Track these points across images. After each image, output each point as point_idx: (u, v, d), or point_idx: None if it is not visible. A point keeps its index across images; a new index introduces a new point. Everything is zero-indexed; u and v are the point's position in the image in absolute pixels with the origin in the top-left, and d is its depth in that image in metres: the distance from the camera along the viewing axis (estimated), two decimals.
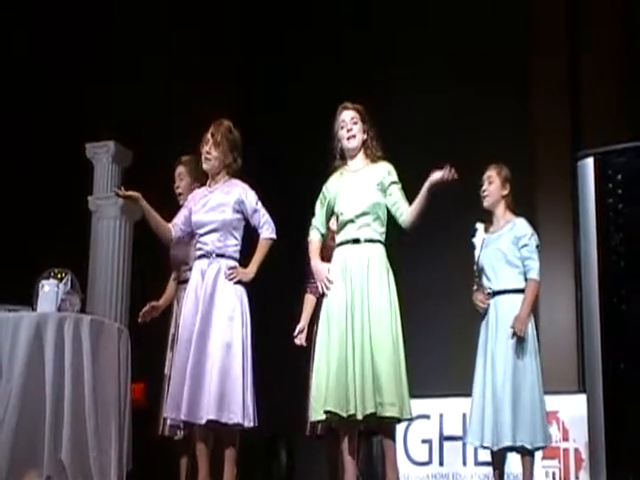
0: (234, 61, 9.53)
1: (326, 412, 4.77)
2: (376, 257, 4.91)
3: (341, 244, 5.00)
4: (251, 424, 4.95)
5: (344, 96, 5.24)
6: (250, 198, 5.18)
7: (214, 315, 5.04)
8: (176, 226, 5.30)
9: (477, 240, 5.75)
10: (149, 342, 5.94)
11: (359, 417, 4.69)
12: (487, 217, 5.77)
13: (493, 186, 5.65)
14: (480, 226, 5.78)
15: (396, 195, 5.00)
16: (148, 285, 6.75)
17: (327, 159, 5.22)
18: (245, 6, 9.74)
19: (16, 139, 8.12)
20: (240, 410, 4.90)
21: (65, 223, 7.78)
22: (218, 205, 5.18)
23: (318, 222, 5.15)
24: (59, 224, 7.84)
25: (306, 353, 5.78)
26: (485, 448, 5.41)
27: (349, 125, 5.09)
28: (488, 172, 5.68)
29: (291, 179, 8.61)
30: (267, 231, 5.19)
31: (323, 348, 4.88)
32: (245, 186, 5.24)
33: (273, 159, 8.84)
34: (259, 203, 5.22)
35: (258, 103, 9.18)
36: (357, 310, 4.81)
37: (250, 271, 5.11)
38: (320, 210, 5.15)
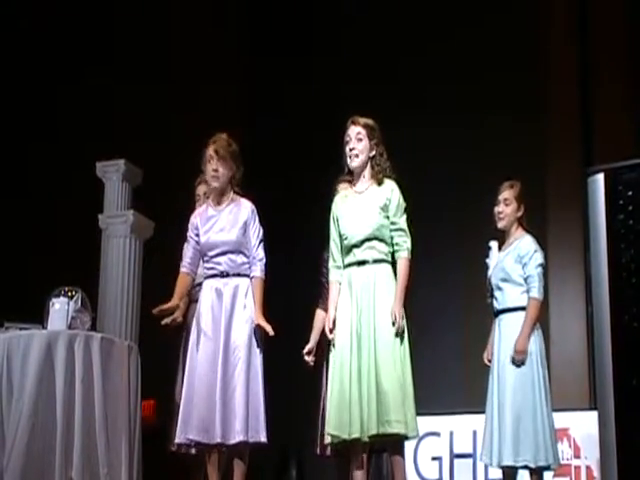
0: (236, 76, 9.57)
1: (329, 435, 4.78)
2: (383, 277, 4.86)
3: (347, 266, 4.96)
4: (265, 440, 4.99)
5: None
6: (255, 225, 5.14)
7: (235, 336, 5.02)
8: (189, 265, 5.25)
9: (491, 260, 5.71)
10: (159, 359, 5.94)
11: (365, 439, 4.69)
12: (500, 234, 5.74)
13: (510, 208, 5.58)
14: (494, 244, 5.73)
15: (394, 229, 4.91)
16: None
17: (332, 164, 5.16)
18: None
19: (23, 160, 8.17)
20: (265, 428, 4.94)
21: (75, 241, 7.80)
22: (229, 226, 5.13)
23: (336, 262, 5.01)
24: (69, 242, 7.87)
25: (317, 370, 5.78)
26: (495, 467, 5.39)
27: (352, 143, 4.97)
28: (504, 193, 5.59)
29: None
30: (260, 270, 5.13)
31: (333, 371, 4.85)
32: (252, 208, 5.20)
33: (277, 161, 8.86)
34: (260, 232, 5.16)
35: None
36: (364, 331, 4.77)
37: (259, 317, 5.04)
38: (335, 248, 5.01)
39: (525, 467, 5.28)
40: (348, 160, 4.99)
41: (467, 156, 8.43)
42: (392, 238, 4.92)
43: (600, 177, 4.88)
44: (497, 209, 5.61)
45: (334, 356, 4.86)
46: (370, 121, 5.03)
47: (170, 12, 9.02)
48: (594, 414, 6.77)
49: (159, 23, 8.86)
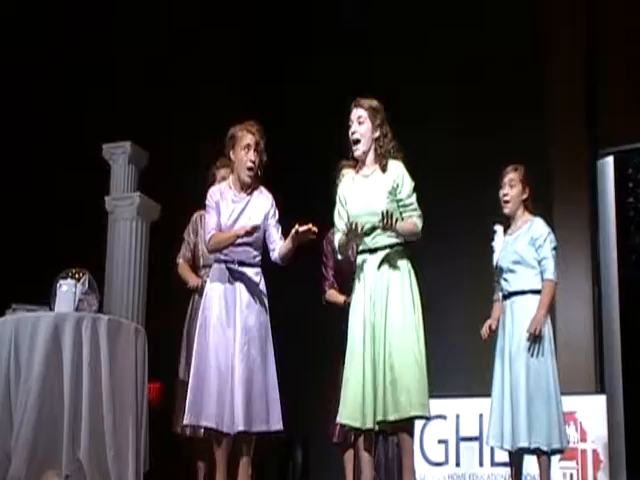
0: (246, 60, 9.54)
1: (342, 424, 4.80)
2: (395, 261, 4.83)
3: (359, 253, 4.93)
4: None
5: None
6: (276, 216, 5.10)
7: (248, 325, 5.00)
8: (218, 228, 5.13)
9: (497, 243, 5.70)
10: (164, 341, 5.94)
11: (379, 427, 4.70)
12: (504, 218, 5.72)
13: (515, 190, 5.58)
14: (499, 228, 5.72)
15: (407, 209, 4.87)
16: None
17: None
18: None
19: (30, 142, 8.16)
20: (280, 416, 4.96)
21: (82, 223, 7.80)
22: (253, 217, 5.06)
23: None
24: (76, 224, 7.86)
25: (325, 356, 5.78)
26: (505, 450, 5.39)
27: (354, 126, 4.90)
28: (509, 175, 5.60)
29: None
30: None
31: (347, 359, 4.82)
32: (272, 199, 5.15)
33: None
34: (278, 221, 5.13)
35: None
36: (377, 319, 4.75)
37: None
38: (339, 221, 4.96)
39: (536, 450, 5.27)
40: (351, 143, 4.92)
41: (472, 138, 8.39)
42: (402, 216, 4.85)
43: (610, 160, 4.90)
44: (502, 192, 5.61)
45: (349, 344, 4.83)
46: (373, 102, 4.95)
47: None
48: (600, 398, 6.79)
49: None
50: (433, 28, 8.80)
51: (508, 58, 8.47)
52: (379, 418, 4.65)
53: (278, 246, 5.07)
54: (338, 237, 4.96)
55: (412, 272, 4.87)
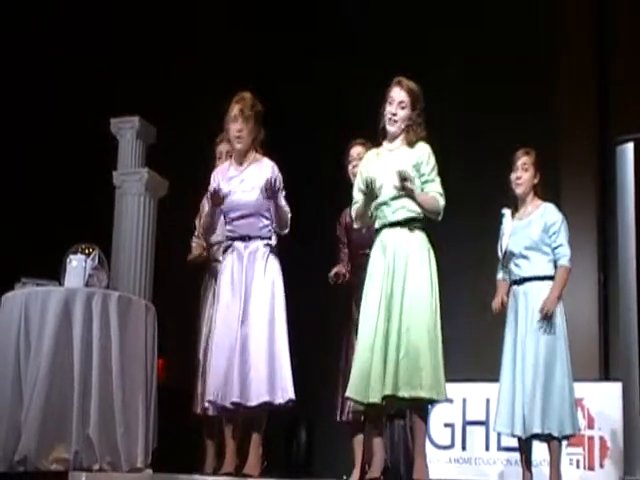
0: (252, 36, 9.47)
1: (353, 399, 4.76)
2: (415, 237, 4.82)
3: (379, 228, 4.92)
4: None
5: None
6: (277, 183, 5.02)
7: (256, 298, 4.98)
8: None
9: (505, 227, 5.66)
10: (168, 318, 5.90)
11: (391, 403, 4.67)
12: (512, 202, 5.70)
13: (528, 174, 5.58)
14: (507, 212, 5.69)
15: (430, 188, 4.87)
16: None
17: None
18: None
19: (38, 116, 8.10)
20: (291, 387, 4.91)
21: (90, 198, 7.75)
22: (252, 188, 5.07)
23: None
24: (84, 199, 7.81)
25: (330, 336, 5.76)
26: (515, 437, 5.36)
27: (395, 108, 4.91)
28: (522, 159, 5.58)
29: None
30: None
31: (361, 333, 4.81)
32: (273, 166, 5.13)
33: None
34: (282, 193, 5.08)
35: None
36: (395, 295, 4.73)
37: None
38: (358, 194, 4.97)
39: (548, 435, 5.25)
40: (387, 121, 4.94)
41: (479, 123, 8.34)
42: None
43: (629, 146, 4.84)
44: (515, 175, 5.59)
45: (362, 318, 4.81)
46: (416, 87, 4.96)
47: None
48: (608, 385, 6.79)
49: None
50: (434, 28, 8.73)
51: (519, 43, 8.40)
52: (387, 392, 4.60)
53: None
54: (356, 207, 4.97)
55: (431, 250, 4.88)
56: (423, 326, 4.66)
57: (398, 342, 4.63)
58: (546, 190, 5.73)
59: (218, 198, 4.96)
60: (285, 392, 4.89)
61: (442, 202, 4.87)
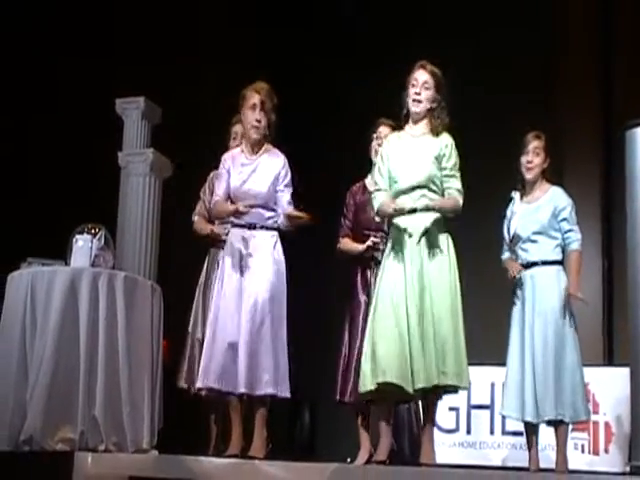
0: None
1: (384, 384, 4.63)
2: (435, 225, 4.80)
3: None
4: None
5: None
6: (287, 177, 5.09)
7: (260, 288, 4.96)
8: (223, 196, 5.16)
9: (515, 210, 5.63)
10: (173, 299, 5.89)
11: (418, 388, 4.64)
12: (519, 185, 5.67)
13: (539, 158, 5.53)
14: (516, 195, 5.67)
15: (447, 182, 4.87)
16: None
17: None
18: None
19: (44, 100, 8.08)
20: (288, 382, 4.96)
21: (95, 179, 7.73)
22: (262, 179, 5.08)
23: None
24: (89, 180, 7.80)
25: (333, 319, 5.74)
26: (525, 422, 5.34)
27: (418, 88, 4.89)
28: (534, 143, 5.54)
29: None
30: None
31: (384, 319, 4.72)
32: (284, 159, 5.16)
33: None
34: (290, 182, 5.11)
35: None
36: (416, 282, 4.70)
37: None
38: (380, 179, 4.95)
39: (558, 421, 5.24)
40: (410, 103, 4.92)
41: (483, 110, 8.29)
42: (443, 185, 4.87)
43: (638, 131, 4.80)
44: (526, 158, 5.55)
45: (382, 302, 4.75)
46: (439, 71, 4.96)
47: None
48: (612, 370, 6.78)
49: None
50: (434, 28, 8.67)
51: (522, 29, 8.35)
52: (420, 385, 4.60)
53: (282, 213, 5.06)
54: (380, 197, 4.93)
55: (449, 238, 4.88)
56: (449, 314, 4.70)
57: (426, 332, 4.64)
58: (550, 177, 5.71)
59: (240, 214, 5.00)
60: (284, 388, 4.95)
61: (461, 201, 4.89)
